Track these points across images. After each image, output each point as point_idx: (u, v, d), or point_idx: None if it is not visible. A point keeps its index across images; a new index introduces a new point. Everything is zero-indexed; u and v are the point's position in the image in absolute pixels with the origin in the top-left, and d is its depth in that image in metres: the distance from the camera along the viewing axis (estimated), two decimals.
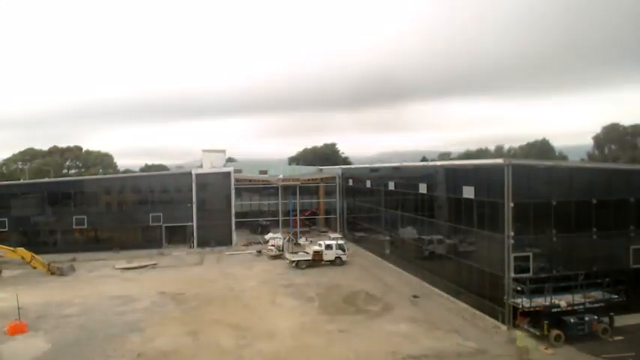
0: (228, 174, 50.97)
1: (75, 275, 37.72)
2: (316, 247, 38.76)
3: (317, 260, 37.87)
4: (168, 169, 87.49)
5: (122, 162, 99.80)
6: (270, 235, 51.59)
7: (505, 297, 23.31)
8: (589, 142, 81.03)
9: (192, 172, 50.14)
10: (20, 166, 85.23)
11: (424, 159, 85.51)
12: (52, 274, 37.31)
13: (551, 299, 22.02)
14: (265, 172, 59.86)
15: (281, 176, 55.27)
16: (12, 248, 37.94)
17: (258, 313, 26.95)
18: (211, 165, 54.91)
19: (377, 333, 23.53)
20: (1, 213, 44.82)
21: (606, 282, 22.78)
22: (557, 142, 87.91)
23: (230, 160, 67.98)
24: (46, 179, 62.21)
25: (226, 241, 48.62)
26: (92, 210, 47.10)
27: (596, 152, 78.31)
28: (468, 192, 26.92)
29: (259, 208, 60.44)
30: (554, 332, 21.35)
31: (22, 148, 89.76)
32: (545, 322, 21.41)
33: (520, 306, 22.29)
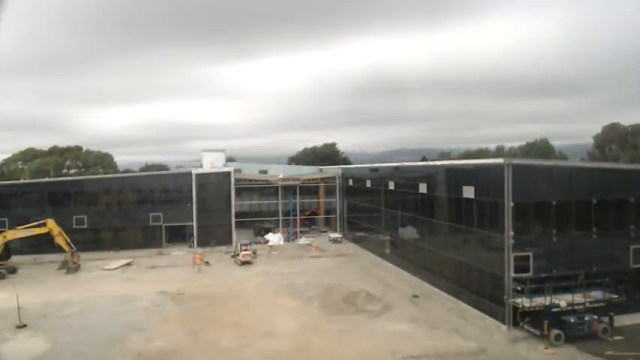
0: (228, 174, 51.03)
1: (75, 275, 37.76)
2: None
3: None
4: (168, 169, 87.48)
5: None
6: (270, 235, 51.71)
7: (505, 297, 23.31)
8: (589, 141, 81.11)
9: (192, 172, 50.19)
10: (20, 166, 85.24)
11: (424, 159, 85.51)
12: (67, 263, 38.56)
13: (551, 299, 22.02)
14: (265, 172, 59.88)
15: (281, 176, 55.28)
16: (39, 222, 39.18)
17: (258, 313, 26.95)
18: (211, 165, 54.93)
19: (377, 333, 23.54)
20: (1, 213, 44.80)
21: (606, 282, 22.80)
22: (557, 142, 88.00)
23: (230, 160, 68.00)
24: (46, 179, 62.23)
25: (226, 241, 48.64)
26: (92, 210, 47.12)
27: (596, 152, 78.29)
28: (468, 192, 26.93)
29: (259, 209, 60.46)
30: (554, 332, 21.36)
31: (22, 148, 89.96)
32: (545, 321, 21.40)
33: (520, 306, 22.31)
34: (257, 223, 55.67)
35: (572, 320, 21.68)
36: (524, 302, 22.12)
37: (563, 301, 22.01)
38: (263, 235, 52.28)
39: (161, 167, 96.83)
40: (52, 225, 38.77)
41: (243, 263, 40.10)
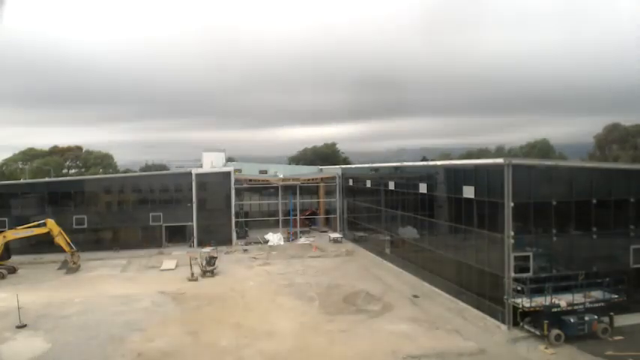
0: (228, 174, 51.07)
1: (75, 275, 37.75)
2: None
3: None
4: (168, 169, 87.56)
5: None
6: (270, 234, 51.71)
7: (505, 297, 23.31)
8: (590, 141, 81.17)
9: (192, 172, 50.22)
10: (20, 166, 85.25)
11: (424, 159, 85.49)
12: (67, 263, 38.67)
13: (551, 299, 22.03)
14: (265, 172, 59.89)
15: (281, 176, 55.28)
16: (39, 222, 39.11)
17: (258, 313, 26.96)
18: (211, 165, 54.96)
19: (377, 333, 23.55)
20: (2, 213, 44.86)
21: (606, 282, 22.79)
22: (557, 141, 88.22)
23: (230, 159, 68.05)
24: (46, 179, 62.24)
25: (226, 241, 48.67)
26: (92, 210, 47.13)
27: (597, 152, 78.32)
28: (468, 192, 26.93)
29: (259, 208, 60.58)
30: (554, 332, 21.38)
31: (22, 148, 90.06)
32: (546, 321, 21.41)
33: (520, 306, 22.31)
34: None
35: (572, 320, 21.68)
36: (524, 302, 22.12)
37: (563, 301, 22.00)
38: (241, 237, 51.58)
39: (161, 167, 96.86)
40: (51, 225, 38.77)
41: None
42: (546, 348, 21.02)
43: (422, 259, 33.40)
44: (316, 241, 50.22)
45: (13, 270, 38.01)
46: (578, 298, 22.29)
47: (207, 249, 40.59)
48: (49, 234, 38.93)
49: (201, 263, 36.58)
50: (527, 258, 23.44)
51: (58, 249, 39.41)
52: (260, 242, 50.34)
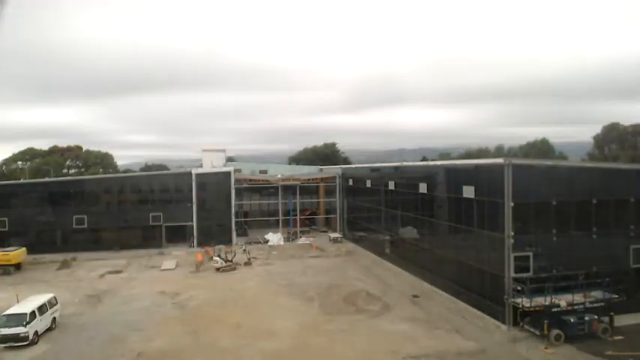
0: (228, 174, 51.10)
1: (75, 275, 37.72)
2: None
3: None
4: (168, 169, 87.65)
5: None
6: (270, 234, 51.75)
7: (505, 297, 23.31)
8: (589, 141, 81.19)
9: (192, 172, 50.25)
10: (20, 166, 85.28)
11: (424, 159, 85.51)
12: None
13: (552, 299, 22.03)
14: (265, 172, 59.91)
15: (281, 176, 55.28)
16: None
17: (258, 313, 26.95)
18: (211, 164, 54.96)
19: (377, 332, 23.55)
20: (1, 213, 44.88)
21: (606, 282, 22.78)
22: (557, 140, 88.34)
23: (230, 159, 68.03)
24: (46, 179, 62.26)
25: (226, 241, 48.62)
26: (92, 210, 47.11)
27: (596, 152, 78.36)
28: (468, 192, 26.93)
29: (259, 208, 60.58)
30: (555, 332, 21.37)
31: (22, 148, 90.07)
32: (546, 321, 21.42)
33: (520, 305, 22.32)
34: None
35: (572, 320, 21.69)
36: (524, 302, 22.12)
37: (563, 301, 22.01)
38: (242, 235, 52.07)
39: (161, 167, 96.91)
40: None
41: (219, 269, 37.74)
42: (546, 348, 21.01)
43: (422, 259, 33.40)
44: (316, 241, 50.23)
45: None
46: (578, 298, 22.29)
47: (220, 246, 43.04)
48: None
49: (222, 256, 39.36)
50: (527, 258, 23.44)
51: (58, 249, 39.32)
52: (260, 242, 50.34)
